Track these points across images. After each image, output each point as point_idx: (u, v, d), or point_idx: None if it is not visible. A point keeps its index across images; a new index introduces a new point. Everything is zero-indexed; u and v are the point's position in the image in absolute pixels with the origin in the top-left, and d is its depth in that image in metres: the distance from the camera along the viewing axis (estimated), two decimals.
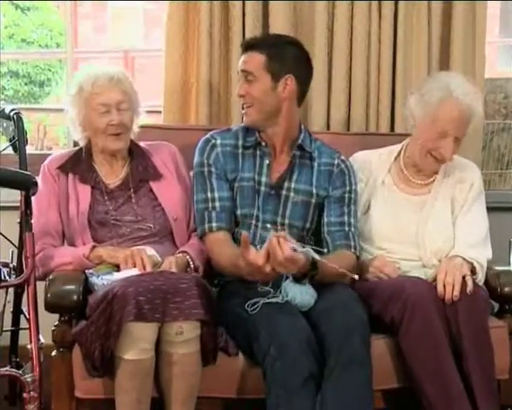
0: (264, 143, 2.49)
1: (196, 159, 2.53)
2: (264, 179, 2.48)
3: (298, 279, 2.25)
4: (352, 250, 2.46)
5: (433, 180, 2.62)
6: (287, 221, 2.47)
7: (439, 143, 2.49)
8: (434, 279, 2.40)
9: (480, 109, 2.54)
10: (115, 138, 2.48)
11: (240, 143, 2.51)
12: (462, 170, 2.62)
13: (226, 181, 2.48)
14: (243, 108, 2.48)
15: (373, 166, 2.65)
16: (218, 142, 2.51)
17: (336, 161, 2.53)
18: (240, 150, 2.51)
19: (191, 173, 2.58)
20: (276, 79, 2.43)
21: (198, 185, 2.50)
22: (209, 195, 2.47)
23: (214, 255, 2.43)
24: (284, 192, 2.48)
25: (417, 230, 2.55)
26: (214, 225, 2.44)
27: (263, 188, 2.47)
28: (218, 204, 2.45)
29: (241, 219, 2.47)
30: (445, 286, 2.32)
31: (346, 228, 2.47)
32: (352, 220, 2.49)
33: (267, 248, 2.11)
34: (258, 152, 2.50)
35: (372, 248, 2.57)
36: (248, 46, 2.48)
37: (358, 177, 2.61)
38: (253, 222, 2.47)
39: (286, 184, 2.48)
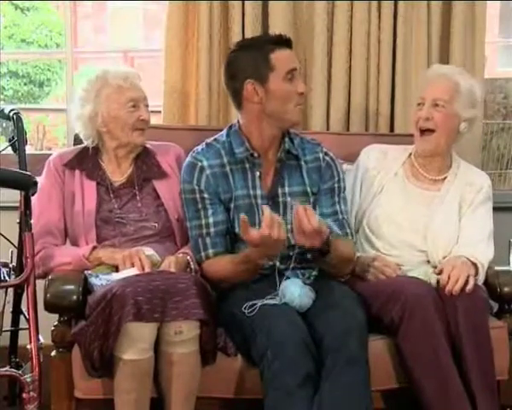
0: (256, 154, 2.41)
1: (185, 185, 2.43)
2: (259, 192, 2.42)
3: (314, 256, 2.28)
4: (349, 237, 2.47)
5: (444, 179, 2.65)
6: (289, 227, 2.38)
7: (420, 112, 2.58)
8: (437, 282, 2.41)
9: (465, 82, 2.58)
10: (141, 133, 2.51)
11: (225, 160, 2.42)
12: (473, 175, 2.68)
13: (220, 203, 2.41)
14: (300, 105, 2.39)
15: (387, 158, 2.69)
16: (205, 164, 2.41)
17: (321, 155, 2.50)
18: (228, 168, 2.42)
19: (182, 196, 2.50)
20: None
21: (191, 212, 2.42)
22: (203, 221, 2.40)
23: (213, 277, 2.39)
24: (281, 199, 2.44)
25: (425, 223, 2.57)
26: (210, 251, 2.40)
27: (259, 201, 2.41)
28: (212, 229, 2.39)
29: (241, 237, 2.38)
30: (449, 278, 2.33)
31: (340, 216, 2.47)
32: (343, 207, 2.49)
33: (269, 216, 2.11)
34: (247, 165, 2.43)
35: (377, 240, 2.59)
36: (289, 43, 2.39)
37: (372, 165, 2.66)
38: None
39: (280, 191, 2.44)
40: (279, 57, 2.34)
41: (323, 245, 2.22)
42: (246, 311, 2.22)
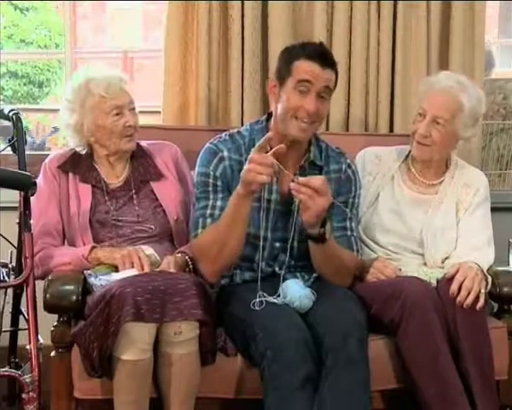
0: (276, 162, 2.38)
1: (201, 168, 2.40)
2: (274, 196, 2.39)
3: (315, 238, 2.22)
4: (355, 254, 2.44)
5: (441, 182, 2.64)
6: (297, 237, 2.39)
7: (419, 124, 2.54)
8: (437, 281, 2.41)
9: (469, 102, 2.53)
10: (129, 139, 2.49)
11: (244, 158, 2.35)
12: (470, 175, 2.66)
13: (230, 194, 2.33)
14: (303, 122, 2.29)
15: (383, 162, 2.67)
16: (226, 155, 2.38)
17: (343, 167, 2.46)
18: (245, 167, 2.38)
19: (193, 177, 2.49)
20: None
21: (201, 193, 2.38)
22: (211, 202, 2.35)
23: (200, 243, 2.31)
24: (294, 207, 2.38)
25: (422, 228, 2.57)
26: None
27: (273, 206, 2.39)
28: (217, 212, 2.33)
29: (245, 238, 2.32)
30: (460, 288, 2.31)
31: (349, 233, 2.44)
32: (354, 225, 2.46)
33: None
34: None
35: (375, 245, 2.59)
36: (329, 62, 2.32)
37: (367, 170, 2.64)
38: (261, 242, 2.38)
39: (295, 198, 2.36)
40: (301, 66, 2.29)
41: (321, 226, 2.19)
42: (248, 306, 2.20)
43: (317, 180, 2.14)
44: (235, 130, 2.48)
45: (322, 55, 2.32)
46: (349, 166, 2.49)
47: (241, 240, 2.27)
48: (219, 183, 2.37)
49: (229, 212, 2.23)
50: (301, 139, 2.35)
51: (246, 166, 2.13)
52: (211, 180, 2.38)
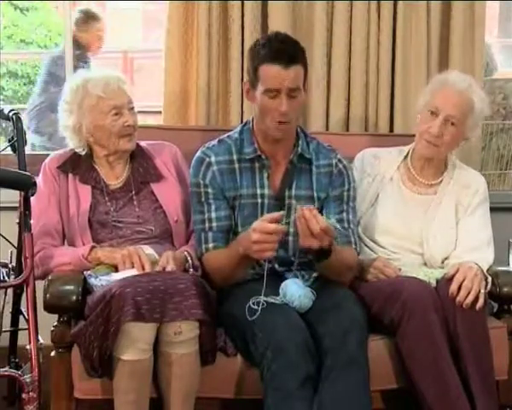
0: (264, 156, 2.41)
1: (192, 179, 2.45)
2: (266, 192, 2.41)
3: (316, 258, 2.24)
4: (353, 246, 2.45)
5: (440, 182, 2.64)
6: (292, 230, 2.38)
7: (431, 123, 2.51)
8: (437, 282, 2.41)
9: (478, 103, 2.54)
10: (129, 139, 2.49)
11: (235, 157, 2.42)
12: (469, 176, 2.65)
13: (224, 199, 2.41)
14: (280, 123, 2.31)
15: (381, 163, 2.67)
16: (213, 159, 2.42)
17: (334, 162, 2.48)
18: (236, 165, 2.42)
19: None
20: (303, 89, 2.36)
21: (195, 206, 2.44)
22: (206, 215, 2.40)
23: (209, 270, 2.39)
24: (287, 201, 2.42)
25: (422, 228, 2.57)
26: (210, 245, 2.39)
27: (266, 200, 2.41)
28: (215, 224, 2.39)
29: None
30: (459, 288, 2.32)
31: (346, 225, 2.45)
32: (351, 217, 2.47)
33: (269, 218, 2.14)
34: (256, 164, 2.42)
35: (375, 245, 2.59)
36: (292, 59, 2.28)
37: (366, 172, 2.64)
38: None
39: (287, 192, 2.43)
40: (265, 71, 2.29)
41: (328, 246, 2.20)
42: (249, 304, 2.20)
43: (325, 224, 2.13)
44: (225, 135, 2.50)
45: (284, 54, 2.29)
46: (340, 160, 2.50)
47: (247, 270, 2.35)
48: (210, 190, 2.41)
49: (233, 258, 2.29)
50: (281, 137, 2.37)
51: (251, 245, 2.13)
52: (202, 189, 2.42)
